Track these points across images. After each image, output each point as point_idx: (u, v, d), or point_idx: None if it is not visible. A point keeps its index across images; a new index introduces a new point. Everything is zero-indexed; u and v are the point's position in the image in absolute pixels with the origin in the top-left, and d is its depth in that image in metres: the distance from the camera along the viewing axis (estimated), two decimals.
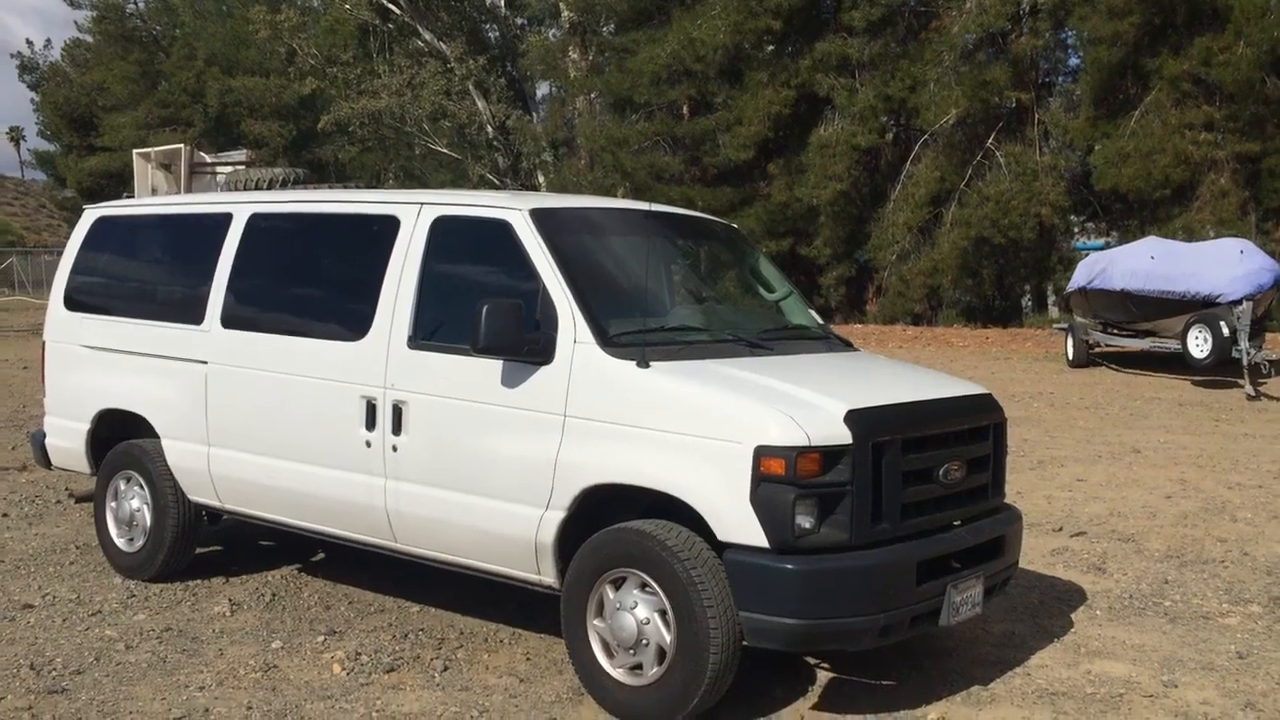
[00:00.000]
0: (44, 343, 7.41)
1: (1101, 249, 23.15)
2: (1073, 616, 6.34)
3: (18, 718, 4.82)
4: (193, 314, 6.51)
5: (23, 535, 7.93)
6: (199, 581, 6.81)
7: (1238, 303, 16.54)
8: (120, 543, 6.93)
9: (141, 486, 6.79)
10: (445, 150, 36.89)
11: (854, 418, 4.69)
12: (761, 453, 4.54)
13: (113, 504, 6.95)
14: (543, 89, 41.86)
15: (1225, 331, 16.49)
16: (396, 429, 5.56)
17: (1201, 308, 17.12)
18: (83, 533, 7.82)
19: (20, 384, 16.23)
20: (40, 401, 7.48)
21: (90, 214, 7.46)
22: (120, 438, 6.92)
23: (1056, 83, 31.21)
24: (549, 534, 5.07)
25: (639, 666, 4.85)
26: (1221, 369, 16.90)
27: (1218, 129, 24.80)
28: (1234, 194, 24.76)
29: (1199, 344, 17.02)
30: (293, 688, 5.22)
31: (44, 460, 7.51)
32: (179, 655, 5.63)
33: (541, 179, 35.82)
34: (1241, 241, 18.52)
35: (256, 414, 6.21)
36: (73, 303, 7.27)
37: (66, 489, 8.87)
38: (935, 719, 4.94)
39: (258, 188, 8.24)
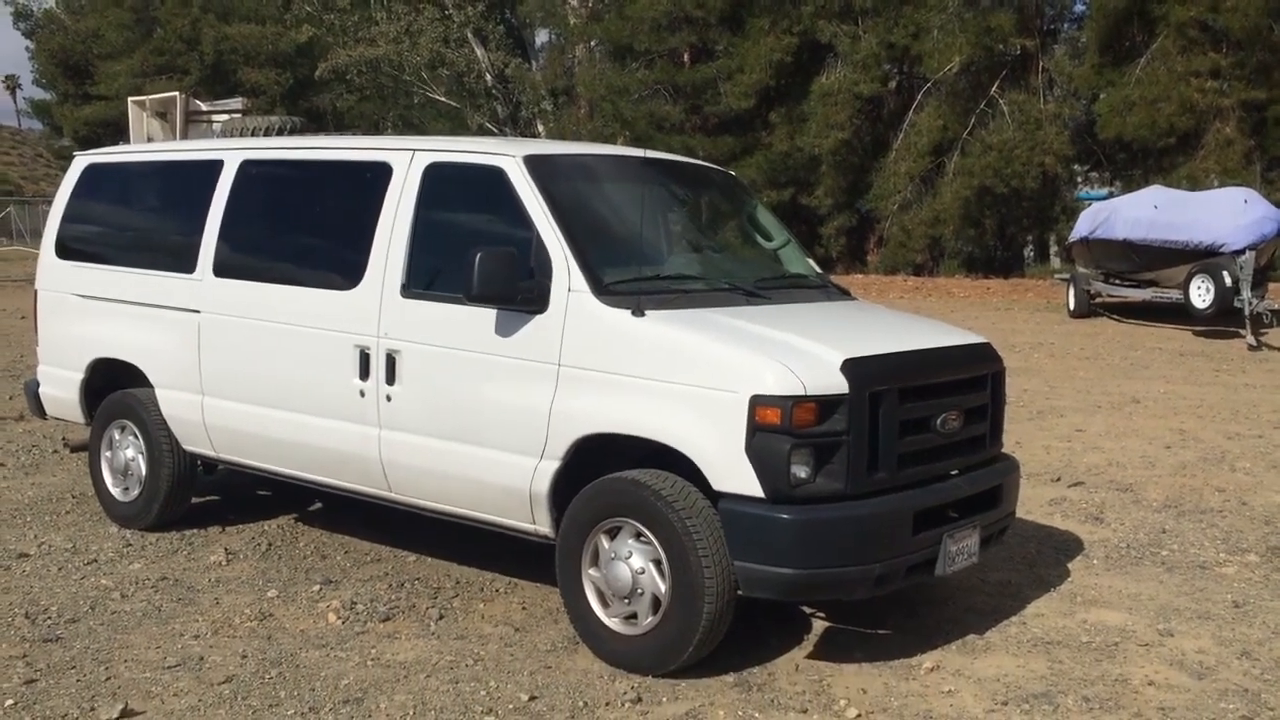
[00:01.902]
0: (36, 291, 7.35)
1: (1105, 199, 23.00)
2: (1069, 566, 6.34)
3: (11, 666, 4.82)
4: (184, 262, 6.45)
5: (19, 484, 7.92)
6: (195, 531, 6.81)
7: (1240, 252, 16.45)
8: (115, 492, 6.92)
9: (136, 436, 6.76)
10: (444, 99, 36.54)
11: (851, 367, 4.65)
12: (757, 402, 4.50)
13: (107, 454, 6.93)
14: (542, 36, 41.45)
15: (1228, 281, 16.42)
16: (390, 378, 5.52)
17: (1204, 257, 17.02)
18: (79, 482, 7.81)
19: (18, 334, 16.20)
20: (36, 353, 7.44)
21: (80, 161, 7.37)
22: (114, 387, 6.89)
23: (1062, 29, 30.86)
24: (544, 484, 5.04)
25: (634, 616, 4.84)
26: (1223, 319, 16.84)
27: (1224, 76, 24.56)
28: (1239, 143, 24.56)
29: (1201, 294, 16.94)
30: (288, 636, 5.22)
31: (39, 410, 7.48)
32: (174, 604, 5.63)
33: (541, 128, 35.51)
34: (1245, 190, 18.38)
35: (250, 363, 6.17)
36: (64, 251, 7.21)
37: (62, 438, 8.85)
38: (930, 667, 4.94)
39: (254, 136, 8.15)
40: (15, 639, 5.14)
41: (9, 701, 4.48)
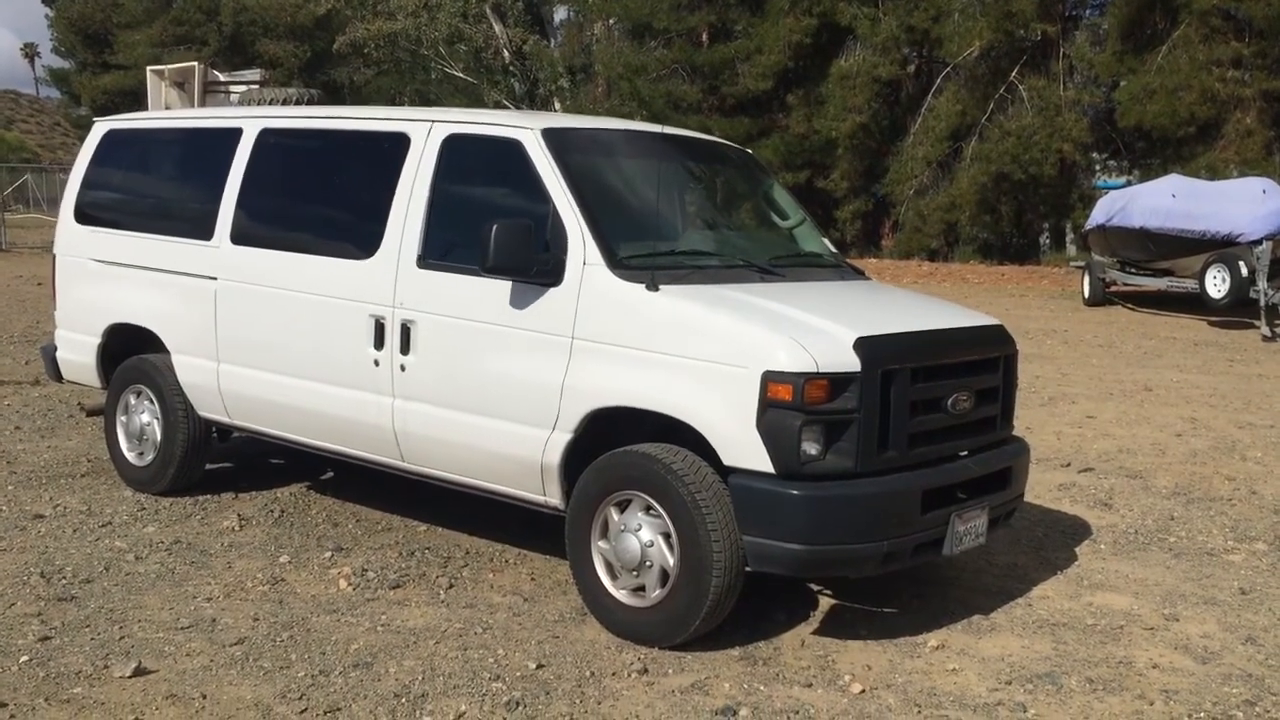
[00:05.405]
0: (55, 256, 7.40)
1: (1122, 187, 22.89)
2: (1077, 550, 6.36)
3: (27, 623, 4.89)
4: (202, 229, 6.48)
5: (35, 447, 7.99)
6: (209, 496, 6.87)
7: (1258, 243, 16.37)
8: (130, 456, 6.98)
9: (151, 401, 6.82)
10: (461, 74, 36.55)
11: (863, 345, 4.66)
12: (769, 378, 4.52)
13: (123, 418, 6.99)
14: (560, 13, 41.42)
15: (1244, 271, 16.36)
16: (405, 348, 5.55)
17: (1221, 247, 16.96)
18: (94, 446, 7.88)
19: (34, 300, 16.30)
20: (53, 318, 7.49)
21: (100, 127, 7.40)
22: (131, 352, 6.93)
23: (1083, 15, 30.65)
24: (555, 455, 5.07)
25: (642, 588, 4.87)
26: (1239, 309, 16.78)
27: (1246, 66, 24.38)
28: (1259, 133, 24.40)
29: (1217, 284, 16.89)
30: (300, 601, 5.28)
31: (55, 374, 7.54)
32: (187, 567, 5.69)
33: (558, 105, 35.49)
34: (1264, 181, 18.26)
35: (265, 331, 6.21)
36: (83, 216, 7.24)
37: (78, 402, 8.92)
38: (935, 646, 4.97)
39: (271, 107, 8.16)
40: (31, 597, 5.20)
41: (24, 658, 4.54)
